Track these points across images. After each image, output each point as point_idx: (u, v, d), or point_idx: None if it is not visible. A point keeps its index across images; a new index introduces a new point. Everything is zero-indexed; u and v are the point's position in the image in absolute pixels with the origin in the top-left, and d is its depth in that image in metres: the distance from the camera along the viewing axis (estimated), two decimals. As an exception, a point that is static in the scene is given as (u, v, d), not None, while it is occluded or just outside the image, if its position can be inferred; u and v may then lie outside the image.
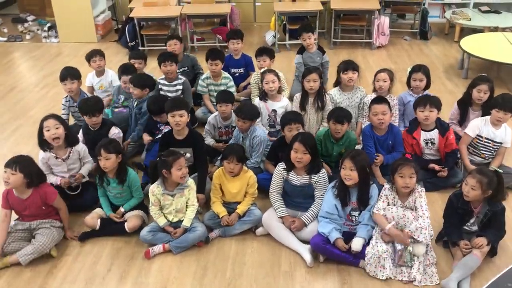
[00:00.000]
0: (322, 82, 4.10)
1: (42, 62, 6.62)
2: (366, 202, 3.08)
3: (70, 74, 4.21)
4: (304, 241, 3.14)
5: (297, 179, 3.24)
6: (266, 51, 4.76)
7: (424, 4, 7.05)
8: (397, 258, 2.92)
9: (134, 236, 3.27)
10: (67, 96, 4.35)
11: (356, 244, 2.94)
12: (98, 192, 3.39)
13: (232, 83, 4.70)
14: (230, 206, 3.37)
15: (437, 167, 3.66)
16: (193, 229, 3.18)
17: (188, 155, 3.44)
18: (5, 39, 7.53)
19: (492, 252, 2.98)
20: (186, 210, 3.21)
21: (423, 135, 3.69)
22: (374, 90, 4.16)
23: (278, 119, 4.07)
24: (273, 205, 3.30)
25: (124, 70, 4.48)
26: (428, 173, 3.65)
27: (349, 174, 2.99)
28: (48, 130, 3.34)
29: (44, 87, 5.80)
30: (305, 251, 3.07)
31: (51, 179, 3.44)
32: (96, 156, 3.27)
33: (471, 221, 3.02)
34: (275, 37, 6.81)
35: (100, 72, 4.80)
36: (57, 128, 3.34)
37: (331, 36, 6.83)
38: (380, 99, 3.66)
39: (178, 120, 3.47)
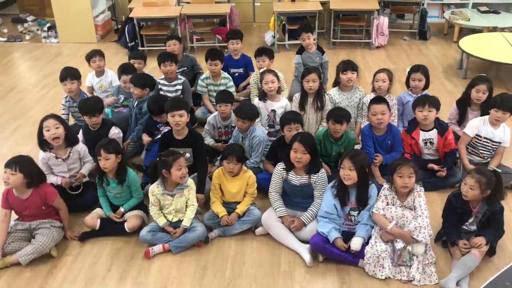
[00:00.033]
0: (321, 82, 4.11)
1: (41, 62, 6.63)
2: (365, 202, 3.09)
3: (70, 74, 4.21)
4: (304, 241, 3.15)
5: (297, 179, 3.25)
6: (265, 51, 4.77)
7: (423, 4, 7.06)
8: (396, 257, 2.93)
9: (134, 236, 3.27)
10: (67, 96, 4.36)
11: (355, 243, 2.95)
12: (97, 192, 3.39)
13: (231, 83, 4.71)
14: (230, 206, 3.37)
15: (436, 167, 3.67)
16: (193, 229, 3.18)
17: (187, 155, 3.45)
18: (4, 39, 7.53)
19: (491, 252, 2.99)
20: (186, 210, 3.22)
21: (422, 135, 3.70)
22: (373, 90, 4.17)
23: (277, 119, 4.07)
24: (273, 205, 3.31)
25: (123, 70, 4.49)
26: (427, 173, 3.66)
27: (348, 174, 3.00)
28: (48, 130, 3.34)
29: (44, 87, 5.81)
30: (304, 250, 3.07)
31: (51, 179, 3.45)
32: (96, 156, 3.27)
33: (470, 220, 3.03)
34: (274, 37, 6.82)
35: (99, 72, 4.81)
36: (57, 128, 3.35)
37: (330, 36, 6.84)
38: (379, 99, 3.66)
39: (178, 120, 3.48)
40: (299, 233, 3.20)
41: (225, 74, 4.75)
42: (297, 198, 3.31)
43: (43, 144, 3.42)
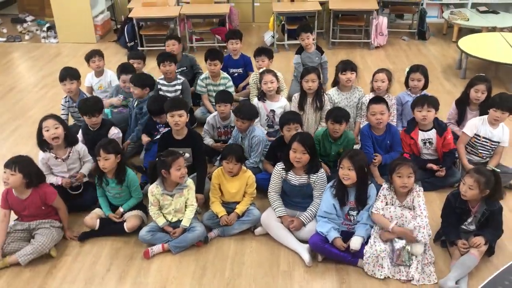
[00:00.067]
0: (320, 82, 4.11)
1: (41, 63, 6.63)
2: (364, 202, 3.09)
3: (69, 74, 4.21)
4: (303, 241, 3.15)
5: (296, 179, 3.25)
6: (264, 51, 4.78)
7: (422, 4, 7.06)
8: (395, 257, 2.93)
9: (133, 236, 3.27)
10: (66, 97, 4.36)
11: (355, 242, 2.95)
12: (97, 192, 3.40)
13: (231, 83, 4.71)
14: (229, 206, 3.38)
15: (435, 167, 3.68)
16: (192, 229, 3.19)
17: (187, 155, 3.45)
18: (4, 39, 7.53)
19: (490, 251, 2.99)
20: (185, 210, 3.22)
21: (421, 135, 3.70)
22: (372, 90, 4.17)
23: (277, 119, 4.08)
24: (272, 205, 3.31)
25: (123, 69, 4.49)
26: (426, 172, 3.67)
27: (347, 173, 3.00)
28: (48, 130, 3.34)
29: (43, 87, 5.81)
30: (303, 250, 3.08)
31: (51, 179, 3.45)
32: (95, 156, 3.28)
33: (469, 220, 3.04)
34: (273, 37, 6.82)
35: (99, 73, 4.81)
36: (56, 128, 3.35)
37: (330, 36, 6.84)
38: (378, 99, 3.67)
39: (177, 120, 3.48)
40: (298, 233, 3.20)
41: (225, 74, 4.75)
42: (296, 198, 3.31)
43: (43, 144, 3.42)
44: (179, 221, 3.22)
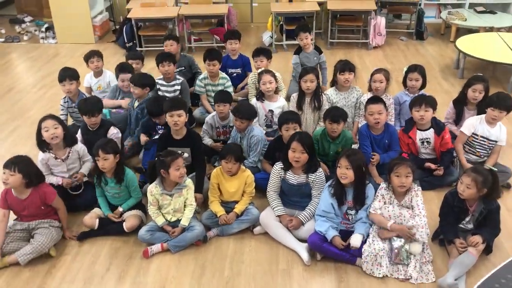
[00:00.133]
0: (318, 82, 4.13)
1: (39, 63, 6.63)
2: (362, 201, 3.10)
3: (68, 75, 4.21)
4: (302, 240, 3.16)
5: (295, 178, 3.26)
6: (263, 52, 4.79)
7: (420, 5, 7.08)
8: (394, 256, 2.95)
9: (133, 235, 3.28)
10: (65, 97, 4.36)
11: (356, 240, 2.96)
12: (96, 192, 3.40)
13: (229, 83, 4.72)
14: (228, 206, 3.39)
15: (433, 166, 3.69)
16: (191, 228, 3.19)
17: (186, 154, 3.46)
18: (2, 40, 7.53)
19: (487, 250, 3.01)
20: (184, 210, 3.23)
21: (419, 135, 3.72)
22: (370, 90, 4.18)
23: (275, 119, 4.09)
24: (271, 204, 3.32)
25: (121, 68, 4.51)
26: (424, 172, 3.68)
27: (345, 172, 3.01)
28: (47, 131, 3.35)
29: (42, 88, 5.81)
30: (302, 249, 3.09)
31: (51, 179, 3.46)
32: (94, 156, 3.28)
33: (467, 219, 3.05)
34: (272, 37, 6.83)
35: (98, 73, 4.81)
36: (55, 128, 3.36)
37: (328, 36, 6.85)
38: (375, 99, 3.68)
39: (176, 120, 3.49)
40: (297, 232, 3.21)
41: (223, 74, 4.76)
42: (295, 197, 3.32)
43: (42, 144, 3.43)
44: (178, 220, 3.22)
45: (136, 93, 4.21)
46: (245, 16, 7.90)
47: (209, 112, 4.51)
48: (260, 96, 4.25)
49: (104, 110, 4.38)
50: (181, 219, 3.21)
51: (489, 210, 2.96)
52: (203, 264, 3.09)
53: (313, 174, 3.23)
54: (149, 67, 5.73)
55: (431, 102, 3.63)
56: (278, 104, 4.22)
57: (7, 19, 8.42)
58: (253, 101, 4.31)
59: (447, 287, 2.76)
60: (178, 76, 4.67)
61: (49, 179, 3.43)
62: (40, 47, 7.25)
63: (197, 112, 4.75)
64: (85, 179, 3.58)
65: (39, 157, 3.46)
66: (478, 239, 2.91)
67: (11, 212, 3.19)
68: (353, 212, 3.12)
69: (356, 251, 2.97)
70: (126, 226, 3.28)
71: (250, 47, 6.24)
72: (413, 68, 4.15)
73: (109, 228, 3.32)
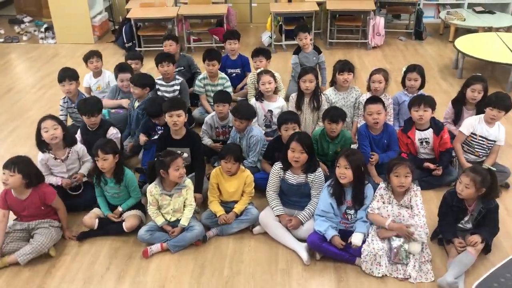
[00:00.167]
0: (317, 82, 4.13)
1: (39, 63, 6.63)
2: (361, 201, 3.11)
3: (68, 75, 4.21)
4: (301, 239, 3.17)
5: (294, 178, 3.27)
6: (262, 52, 4.79)
7: (419, 5, 7.09)
8: (393, 255, 2.95)
9: (132, 235, 3.29)
10: (65, 97, 4.36)
11: (356, 238, 2.97)
12: (95, 192, 3.41)
13: (229, 83, 4.73)
14: (228, 205, 3.39)
15: (432, 166, 3.70)
16: (191, 228, 3.20)
17: (185, 155, 3.47)
18: (2, 40, 7.53)
19: (486, 249, 3.02)
20: (184, 210, 3.24)
21: (418, 135, 3.73)
22: (369, 90, 4.19)
23: (274, 119, 4.09)
24: (270, 204, 3.33)
25: (120, 68, 4.51)
26: (423, 171, 3.69)
27: (344, 172, 3.02)
28: (47, 131, 3.35)
29: (41, 88, 5.81)
30: (301, 249, 3.10)
31: (51, 179, 3.46)
32: (93, 156, 3.29)
33: (466, 218, 3.06)
34: (271, 37, 6.84)
35: (97, 73, 4.82)
36: (55, 128, 3.36)
37: (327, 36, 6.86)
38: (374, 99, 3.69)
39: (175, 120, 3.50)
40: (296, 231, 3.22)
41: (223, 75, 4.76)
42: (294, 197, 3.33)
43: (42, 145, 3.43)
44: (178, 220, 3.23)
45: (136, 93, 4.22)
46: (244, 16, 7.91)
47: (208, 112, 4.52)
48: (259, 96, 4.26)
49: (103, 111, 4.39)
50: (180, 219, 3.22)
51: (488, 209, 2.97)
52: (202, 264, 3.10)
53: (312, 174, 3.24)
54: (149, 67, 5.74)
55: (430, 102, 3.64)
56: (277, 104, 4.23)
57: (6, 19, 8.42)
58: (252, 101, 4.31)
59: (447, 286, 2.77)
60: (177, 76, 4.67)
61: (49, 179, 3.44)
62: (39, 47, 7.26)
63: (196, 112, 4.75)
64: (85, 179, 3.58)
65: (38, 158, 3.46)
66: (477, 239, 2.92)
67: (11, 212, 3.20)
68: (352, 211, 3.12)
69: (355, 250, 2.98)
70: (125, 226, 3.28)
71: (249, 47, 6.25)
72: (412, 68, 4.16)
73: (108, 228, 3.33)
